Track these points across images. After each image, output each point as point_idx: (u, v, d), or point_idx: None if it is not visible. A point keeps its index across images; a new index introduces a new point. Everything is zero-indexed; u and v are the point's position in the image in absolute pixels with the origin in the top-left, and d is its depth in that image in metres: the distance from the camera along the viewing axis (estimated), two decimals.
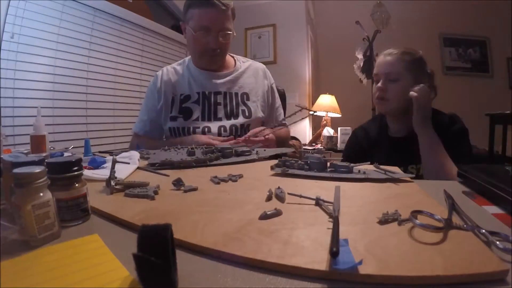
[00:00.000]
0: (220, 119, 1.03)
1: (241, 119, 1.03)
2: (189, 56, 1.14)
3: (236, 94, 1.07)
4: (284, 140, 1.14)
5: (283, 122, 1.20)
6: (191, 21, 0.99)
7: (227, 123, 1.02)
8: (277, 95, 1.19)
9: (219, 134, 1.00)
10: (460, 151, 0.83)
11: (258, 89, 1.11)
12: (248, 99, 1.08)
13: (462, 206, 0.38)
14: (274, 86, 1.19)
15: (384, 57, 0.92)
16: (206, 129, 1.01)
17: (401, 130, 0.95)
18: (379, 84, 0.92)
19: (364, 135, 1.04)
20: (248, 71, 1.13)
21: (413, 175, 0.53)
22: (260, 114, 1.08)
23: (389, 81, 0.90)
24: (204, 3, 0.95)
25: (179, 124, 1.04)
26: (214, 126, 1.02)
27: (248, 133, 0.95)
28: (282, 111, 1.22)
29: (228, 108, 1.04)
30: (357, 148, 1.04)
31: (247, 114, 1.05)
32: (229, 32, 1.00)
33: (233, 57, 1.18)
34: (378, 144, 1.00)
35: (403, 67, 0.88)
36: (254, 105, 1.07)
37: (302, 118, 2.90)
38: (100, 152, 0.98)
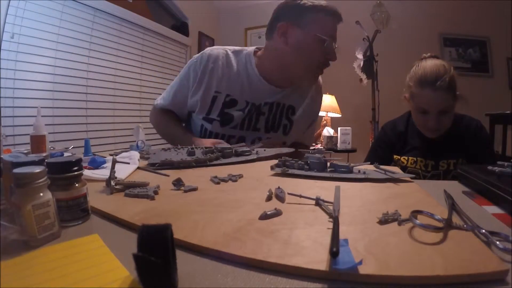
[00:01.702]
0: (258, 130, 0.93)
1: (280, 135, 0.95)
2: (251, 50, 0.97)
3: (283, 105, 0.95)
4: None
5: (307, 143, 1.08)
6: (313, 26, 0.84)
7: (264, 136, 0.93)
8: (317, 111, 1.08)
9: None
10: (490, 156, 0.93)
11: (306, 105, 1.00)
12: (293, 113, 0.96)
13: (462, 206, 0.38)
14: (320, 100, 1.07)
15: (433, 92, 0.86)
16: (241, 139, 0.92)
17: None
18: (432, 121, 0.89)
19: (393, 130, 1.05)
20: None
21: (413, 176, 0.53)
22: (295, 137, 0.99)
23: (440, 113, 0.89)
24: (333, 13, 0.87)
25: (213, 129, 0.92)
26: (249, 137, 0.93)
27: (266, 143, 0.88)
28: (312, 133, 1.09)
29: (270, 120, 0.94)
30: (385, 144, 1.05)
31: (287, 130, 0.95)
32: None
33: None
34: (408, 139, 1.01)
35: (452, 97, 0.88)
36: (297, 123, 0.97)
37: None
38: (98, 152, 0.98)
